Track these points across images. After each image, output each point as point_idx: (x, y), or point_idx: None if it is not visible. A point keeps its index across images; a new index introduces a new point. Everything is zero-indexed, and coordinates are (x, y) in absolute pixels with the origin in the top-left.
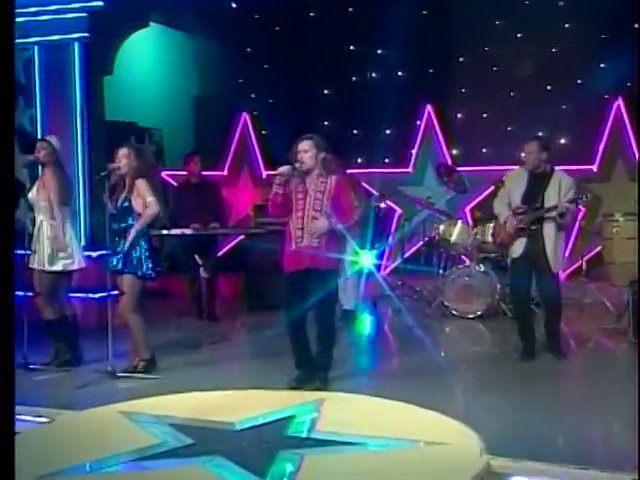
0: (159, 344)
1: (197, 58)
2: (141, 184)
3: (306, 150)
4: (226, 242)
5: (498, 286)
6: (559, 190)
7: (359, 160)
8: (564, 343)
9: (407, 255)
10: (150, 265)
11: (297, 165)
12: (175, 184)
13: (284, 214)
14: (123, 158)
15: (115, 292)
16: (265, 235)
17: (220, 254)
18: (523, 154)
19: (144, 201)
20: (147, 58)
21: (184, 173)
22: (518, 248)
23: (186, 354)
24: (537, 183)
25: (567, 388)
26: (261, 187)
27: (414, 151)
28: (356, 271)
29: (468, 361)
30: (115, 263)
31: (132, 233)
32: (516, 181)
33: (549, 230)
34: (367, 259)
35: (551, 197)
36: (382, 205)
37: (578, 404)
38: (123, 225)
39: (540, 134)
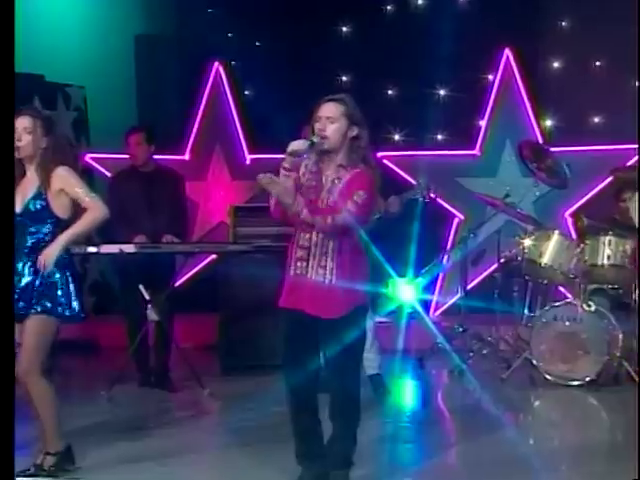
0: (79, 427)
1: None
2: (65, 175)
3: (332, 118)
4: (189, 265)
5: (620, 336)
6: None
7: (395, 137)
8: None
9: (472, 286)
10: (76, 303)
11: (315, 139)
12: (109, 175)
13: (295, 221)
14: (24, 133)
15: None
16: (250, 254)
17: (179, 284)
18: None
19: (74, 200)
20: None
21: (123, 157)
22: None
23: (122, 443)
24: None
25: None
26: (243, 179)
27: (483, 122)
28: (390, 312)
29: (573, 458)
30: (16, 299)
31: (53, 251)
32: None
33: None
34: (408, 292)
35: None
36: (417, 194)
37: None
38: (31, 239)
39: None
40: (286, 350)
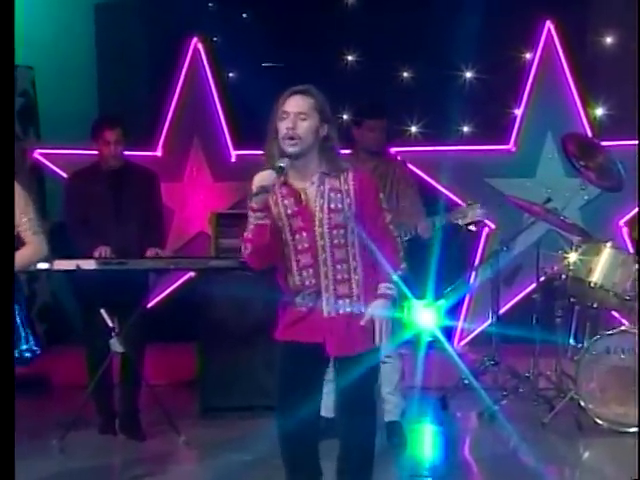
0: None
1: None
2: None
3: (304, 114)
4: (162, 285)
5: None
6: None
7: (412, 129)
8: None
9: (506, 309)
10: (28, 338)
11: (282, 163)
12: (63, 174)
13: (275, 262)
14: None
15: None
16: (236, 272)
17: (150, 306)
18: None
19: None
20: None
21: (83, 153)
22: None
23: None
24: None
25: None
26: (227, 180)
27: (519, 111)
28: (406, 342)
29: None
30: None
31: None
32: None
33: None
34: (428, 318)
35: None
36: (459, 218)
37: None
38: None
39: None
40: (282, 390)
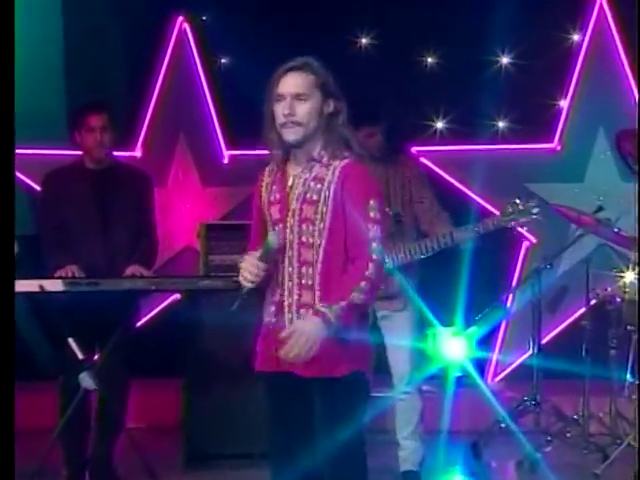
0: None
1: None
2: None
3: (302, 94)
4: (141, 309)
5: None
6: None
7: (437, 124)
8: None
9: (549, 339)
10: None
11: (286, 134)
12: (29, 182)
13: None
14: None
15: None
16: (228, 294)
17: (127, 333)
18: None
19: None
20: None
21: (52, 154)
22: None
23: None
24: None
25: None
26: (218, 185)
27: (565, 103)
28: (430, 377)
29: None
30: None
31: None
32: None
33: None
34: (456, 349)
35: None
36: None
37: None
38: None
39: None
40: (272, 432)
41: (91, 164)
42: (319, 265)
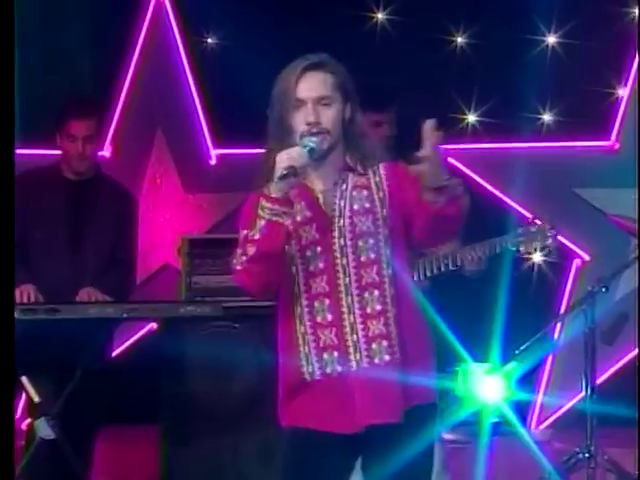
0: None
1: None
2: None
3: (326, 98)
4: (111, 341)
5: None
6: None
7: (468, 118)
8: None
9: (605, 378)
10: None
11: (311, 142)
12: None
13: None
14: None
15: None
16: (214, 322)
17: (94, 370)
18: None
19: None
20: None
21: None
22: None
23: None
24: None
25: None
26: (204, 191)
27: (624, 92)
28: (461, 423)
29: None
30: None
31: None
32: None
33: None
34: (492, 389)
35: None
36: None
37: None
38: None
39: None
40: None
41: (69, 173)
42: (388, 287)
